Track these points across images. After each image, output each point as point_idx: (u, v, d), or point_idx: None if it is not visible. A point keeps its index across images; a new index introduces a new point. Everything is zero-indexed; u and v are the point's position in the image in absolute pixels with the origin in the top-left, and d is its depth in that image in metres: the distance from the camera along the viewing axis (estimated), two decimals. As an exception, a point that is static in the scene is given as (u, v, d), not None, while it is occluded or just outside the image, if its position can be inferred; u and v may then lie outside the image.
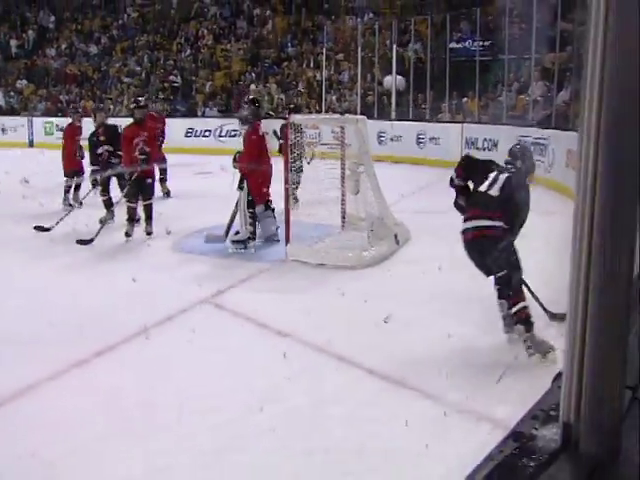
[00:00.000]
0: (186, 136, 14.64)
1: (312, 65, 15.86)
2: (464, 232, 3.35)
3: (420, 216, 6.74)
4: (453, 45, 12.82)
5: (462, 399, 2.73)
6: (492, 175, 3.42)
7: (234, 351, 3.35)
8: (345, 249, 5.09)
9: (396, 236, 5.41)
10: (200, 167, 10.40)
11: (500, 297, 3.23)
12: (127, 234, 5.70)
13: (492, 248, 3.23)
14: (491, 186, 3.38)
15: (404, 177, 8.84)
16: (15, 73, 20.86)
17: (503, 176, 3.40)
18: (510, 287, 3.17)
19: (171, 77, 17.39)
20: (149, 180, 5.84)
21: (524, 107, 10.87)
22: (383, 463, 2.32)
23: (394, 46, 13.33)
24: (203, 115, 15.67)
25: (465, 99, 12.46)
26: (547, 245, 5.09)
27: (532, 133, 9.54)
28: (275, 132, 15.08)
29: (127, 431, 2.58)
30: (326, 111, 13.80)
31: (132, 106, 6.34)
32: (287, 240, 5.19)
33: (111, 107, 17.47)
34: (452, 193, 3.57)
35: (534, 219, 5.07)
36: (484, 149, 10.83)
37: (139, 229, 5.94)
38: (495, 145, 10.65)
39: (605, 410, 0.56)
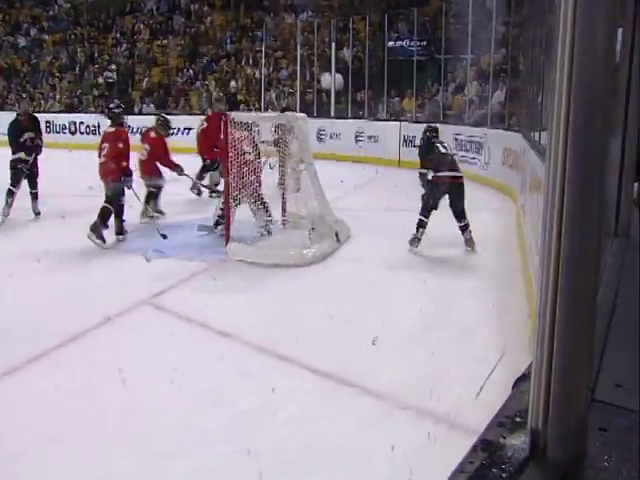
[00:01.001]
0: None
1: (251, 62, 15.71)
2: (441, 177, 5.01)
3: (360, 213, 6.80)
4: (391, 44, 12.98)
5: (404, 395, 2.74)
6: (438, 143, 5.33)
7: (175, 353, 3.23)
8: (286, 247, 5.04)
9: (337, 234, 5.42)
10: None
11: (465, 227, 5.06)
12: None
13: (463, 190, 5.04)
14: (445, 149, 5.27)
15: (344, 175, 8.89)
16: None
17: (445, 143, 5.32)
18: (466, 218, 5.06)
19: (106, 72, 16.80)
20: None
21: (460, 106, 11.16)
22: (331, 462, 2.29)
23: (333, 44, 13.41)
24: (140, 112, 15.18)
25: (397, 98, 12.67)
26: (485, 240, 5.25)
27: (468, 132, 9.81)
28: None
29: (65, 437, 2.44)
30: (265, 109, 13.71)
31: (113, 108, 5.84)
32: (227, 239, 5.09)
33: (42, 102, 16.71)
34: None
35: (473, 215, 5.26)
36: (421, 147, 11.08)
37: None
38: (432, 144, 10.92)
39: (572, 414, 0.55)
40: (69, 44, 18.47)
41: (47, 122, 15.27)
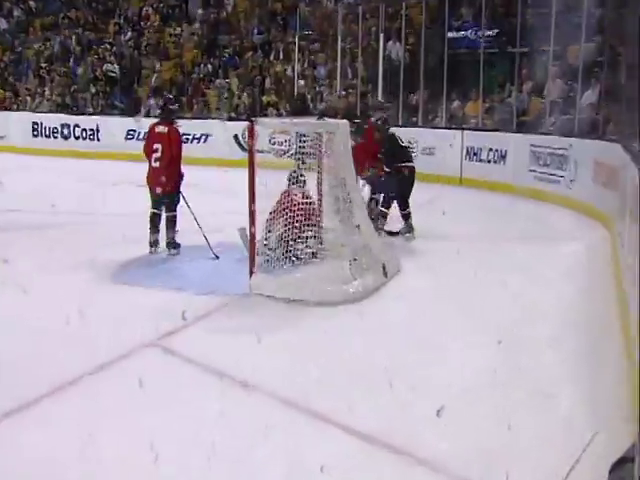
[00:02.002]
0: (127, 139, 14.65)
1: (282, 57, 16.08)
2: (406, 167, 7.00)
3: (412, 242, 6.89)
4: (452, 35, 13.07)
5: (463, 468, 2.78)
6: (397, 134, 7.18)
7: (187, 406, 3.34)
8: (322, 282, 5.15)
9: (384, 267, 5.49)
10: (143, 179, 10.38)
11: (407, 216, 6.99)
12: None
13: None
14: (402, 142, 7.22)
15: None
16: None
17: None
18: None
19: (107, 65, 17.34)
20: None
21: (539, 111, 11.09)
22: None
23: (381, 36, 13.65)
24: (148, 114, 15.63)
25: (459, 101, 12.72)
26: (569, 277, 5.25)
27: (548, 142, 9.75)
28: (236, 137, 15.24)
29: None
30: (287, 113, 13.99)
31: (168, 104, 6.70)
32: (251, 270, 5.23)
33: (28, 99, 17.31)
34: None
35: (550, 245, 5.26)
36: (488, 161, 11.08)
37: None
38: (503, 157, 10.87)
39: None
40: (62, 30, 18.92)
41: (34, 124, 15.93)
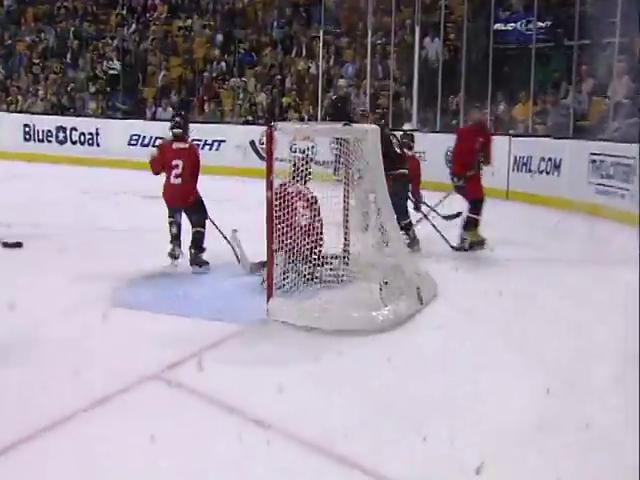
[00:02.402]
0: (130, 144, 14.88)
1: (304, 53, 16.22)
2: (391, 174, 6.50)
3: (451, 263, 6.89)
4: (499, 27, 13.11)
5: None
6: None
7: (193, 446, 3.36)
8: (349, 308, 5.17)
9: (419, 291, 5.51)
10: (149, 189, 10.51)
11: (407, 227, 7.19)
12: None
13: None
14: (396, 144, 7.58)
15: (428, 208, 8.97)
16: None
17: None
18: None
19: (108, 62, 17.55)
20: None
21: (601, 113, 11.03)
22: None
23: (417, 29, 13.70)
24: (154, 117, 15.86)
25: (505, 104, 12.67)
26: (632, 307, 5.19)
27: (612, 150, 9.66)
28: (253, 144, 15.41)
29: None
30: (323, 117, 14.09)
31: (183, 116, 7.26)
32: (268, 294, 5.28)
33: (19, 98, 17.57)
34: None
35: (611, 270, 5.22)
36: (540, 172, 11.03)
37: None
38: (557, 167, 10.81)
39: None
40: (57, 21, 19.18)
41: (25, 127, 16.17)
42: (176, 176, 6.56)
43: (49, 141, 15.95)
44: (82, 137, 15.68)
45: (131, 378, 4.07)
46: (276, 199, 5.37)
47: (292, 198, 5.68)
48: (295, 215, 5.68)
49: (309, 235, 5.80)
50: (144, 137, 14.69)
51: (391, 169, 6.58)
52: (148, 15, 18.81)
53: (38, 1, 19.95)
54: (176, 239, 6.57)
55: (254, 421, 3.61)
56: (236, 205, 9.07)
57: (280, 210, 5.42)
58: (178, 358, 4.40)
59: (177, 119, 6.85)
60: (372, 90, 14.14)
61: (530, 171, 11.21)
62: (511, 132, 12.15)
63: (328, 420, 3.62)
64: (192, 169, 6.60)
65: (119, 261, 6.74)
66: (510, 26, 13.09)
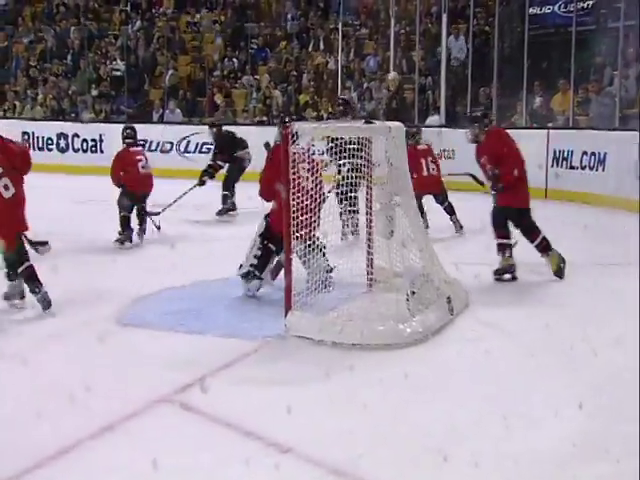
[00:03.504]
0: (136, 150, 14.92)
1: (322, 47, 16.27)
2: None
3: (483, 269, 6.85)
4: (534, 11, 13.06)
5: None
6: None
7: (206, 474, 3.38)
8: (374, 320, 5.18)
9: (449, 300, 5.52)
10: (156, 199, 10.60)
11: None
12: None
13: None
14: None
15: (459, 211, 8.98)
16: None
17: None
18: None
19: (112, 63, 17.69)
20: None
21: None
22: None
23: (444, 17, 13.68)
24: (161, 120, 15.98)
25: (539, 95, 12.58)
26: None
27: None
28: (267, 146, 15.50)
29: None
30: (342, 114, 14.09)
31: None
32: (287, 307, 5.30)
33: (17, 104, 17.71)
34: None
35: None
36: (582, 168, 10.92)
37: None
38: (601, 162, 10.70)
39: None
40: (57, 21, 19.34)
41: (24, 134, 16.18)
42: (143, 167, 8.64)
43: (49, 149, 16.09)
44: (84, 144, 15.82)
45: (139, 402, 4.10)
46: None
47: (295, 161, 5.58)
48: (298, 179, 5.59)
49: (311, 202, 5.73)
50: (151, 142, 14.76)
51: None
52: (153, 11, 18.98)
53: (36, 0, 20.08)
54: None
55: (271, 445, 3.62)
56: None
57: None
58: (189, 379, 4.41)
59: (129, 131, 8.95)
60: (396, 84, 14.10)
61: (572, 167, 11.13)
62: (549, 125, 12.08)
63: (349, 443, 3.62)
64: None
65: (123, 276, 6.84)
66: (547, 9, 13.03)
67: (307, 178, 5.84)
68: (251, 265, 6.15)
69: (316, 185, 5.87)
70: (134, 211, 8.63)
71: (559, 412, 3.94)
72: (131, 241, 8.45)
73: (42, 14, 19.88)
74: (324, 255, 5.92)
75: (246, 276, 6.19)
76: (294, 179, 5.43)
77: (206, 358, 4.82)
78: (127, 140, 8.90)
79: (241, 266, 6.21)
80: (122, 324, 5.58)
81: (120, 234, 8.38)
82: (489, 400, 4.13)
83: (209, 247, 8.20)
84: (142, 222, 8.76)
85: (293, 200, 5.37)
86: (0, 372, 4.61)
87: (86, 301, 6.08)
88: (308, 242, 5.75)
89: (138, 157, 8.77)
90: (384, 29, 14.96)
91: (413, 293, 5.38)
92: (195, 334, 5.30)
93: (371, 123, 6.07)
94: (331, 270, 5.90)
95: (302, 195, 5.53)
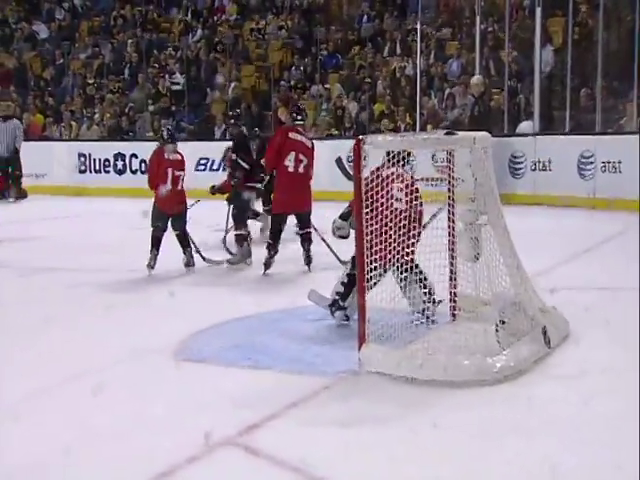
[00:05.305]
0: (197, 169, 15.25)
1: (400, 51, 16.28)
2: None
3: (586, 297, 6.74)
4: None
5: None
6: None
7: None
8: (458, 353, 5.15)
9: (545, 331, 5.44)
10: (217, 223, 10.82)
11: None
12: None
13: None
14: None
15: (559, 230, 8.86)
16: None
17: None
18: None
19: (170, 77, 18.09)
20: None
21: None
22: None
23: (537, 10, 13.50)
24: (224, 136, 16.19)
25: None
26: None
27: None
28: (339, 161, 15.58)
29: None
30: (423, 126, 14.10)
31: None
32: (361, 340, 5.31)
33: (73, 124, 18.35)
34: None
35: None
36: None
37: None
38: None
39: None
40: (114, 33, 20.03)
41: (80, 156, 16.88)
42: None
43: (106, 171, 16.66)
44: (143, 165, 16.06)
45: (200, 444, 4.13)
46: (368, 189, 5.43)
47: (388, 180, 5.74)
48: (390, 199, 5.70)
49: (407, 225, 5.81)
50: (213, 161, 15.03)
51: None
52: (215, 18, 19.34)
53: (92, 13, 20.97)
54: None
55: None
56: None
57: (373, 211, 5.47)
58: (255, 419, 4.45)
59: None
60: (481, 89, 13.99)
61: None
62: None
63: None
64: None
65: (182, 308, 6.99)
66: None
67: (400, 199, 5.92)
68: (337, 293, 6.29)
69: (412, 206, 5.95)
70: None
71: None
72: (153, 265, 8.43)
73: (99, 28, 20.54)
74: (424, 282, 5.95)
75: (331, 306, 6.31)
76: (386, 200, 5.52)
77: (273, 396, 4.86)
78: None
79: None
80: (182, 359, 5.68)
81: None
82: (596, 446, 4.01)
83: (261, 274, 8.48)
84: (184, 247, 8.70)
85: (382, 222, 5.45)
86: (55, 412, 4.75)
87: (140, 334, 6.20)
88: (405, 266, 5.82)
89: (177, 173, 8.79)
90: (468, 28, 14.91)
91: (503, 323, 5.34)
92: (260, 369, 5.36)
93: (453, 134, 6.07)
94: (434, 302, 5.94)
95: (395, 217, 5.61)
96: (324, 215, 7.44)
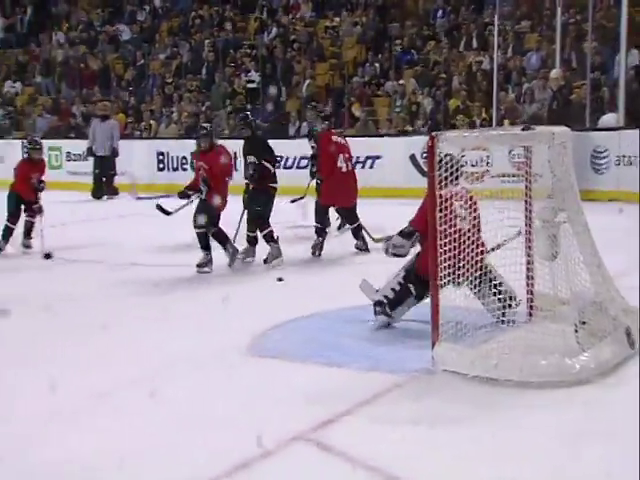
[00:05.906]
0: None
1: (476, 45, 16.18)
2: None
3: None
4: None
5: None
6: None
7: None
8: (535, 353, 5.10)
9: (628, 332, 5.36)
10: (292, 220, 10.93)
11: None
12: None
13: None
14: None
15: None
16: (2, 71, 22.47)
17: None
18: None
19: (247, 74, 18.26)
20: None
21: None
22: None
23: (623, 1, 13.17)
24: (298, 134, 16.27)
25: None
26: None
27: None
28: (413, 158, 15.62)
29: None
30: (500, 121, 13.96)
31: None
32: (434, 338, 5.31)
33: (152, 124, 18.78)
34: None
35: None
36: None
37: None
38: None
39: None
40: (192, 33, 20.43)
41: (159, 154, 17.18)
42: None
43: (183, 169, 16.80)
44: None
45: (274, 440, 4.18)
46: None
47: (450, 200, 5.67)
48: (454, 219, 5.65)
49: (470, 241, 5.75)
50: (287, 159, 15.08)
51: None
52: (290, 15, 19.52)
53: (172, 14, 21.46)
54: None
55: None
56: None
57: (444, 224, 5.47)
58: (328, 415, 4.50)
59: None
60: (561, 83, 13.75)
61: None
62: None
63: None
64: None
65: (255, 305, 7.11)
66: None
67: (464, 218, 5.90)
68: (385, 297, 6.23)
69: (476, 224, 5.97)
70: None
71: None
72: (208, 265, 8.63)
73: (178, 28, 20.95)
74: (500, 287, 5.91)
75: (377, 305, 6.27)
76: (449, 219, 5.51)
77: (346, 392, 4.90)
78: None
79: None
80: (256, 355, 5.77)
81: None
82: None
83: (327, 271, 8.83)
84: (223, 244, 8.89)
85: (449, 244, 5.45)
86: (125, 406, 4.87)
87: (216, 331, 6.31)
88: (479, 272, 5.81)
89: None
90: (549, 19, 14.69)
91: (583, 323, 5.28)
92: (333, 366, 5.39)
93: (530, 129, 6.00)
94: (510, 306, 5.89)
95: (460, 237, 5.59)
96: (397, 212, 7.41)
